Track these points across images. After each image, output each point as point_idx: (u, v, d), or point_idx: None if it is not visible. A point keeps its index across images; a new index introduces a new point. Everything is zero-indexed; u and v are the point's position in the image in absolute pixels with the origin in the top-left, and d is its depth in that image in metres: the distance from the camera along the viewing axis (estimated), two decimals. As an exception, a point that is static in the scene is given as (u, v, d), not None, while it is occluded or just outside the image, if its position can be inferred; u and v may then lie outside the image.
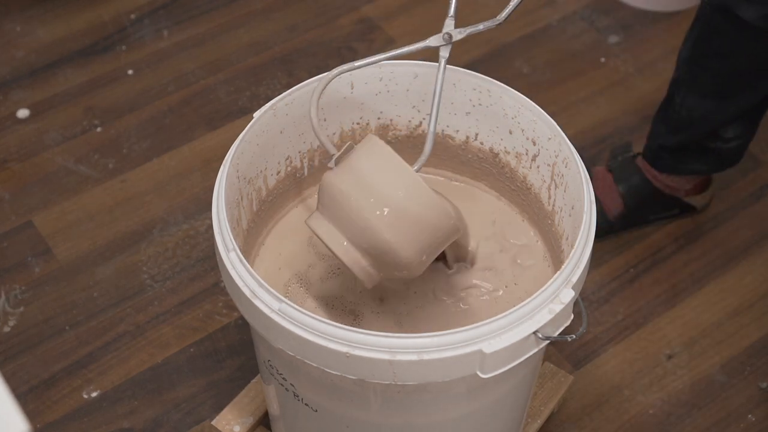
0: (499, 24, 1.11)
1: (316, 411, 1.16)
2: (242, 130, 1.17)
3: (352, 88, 1.24)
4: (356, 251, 1.08)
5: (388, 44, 2.01)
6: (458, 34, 1.12)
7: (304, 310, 1.01)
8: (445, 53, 1.12)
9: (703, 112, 1.53)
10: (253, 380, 1.47)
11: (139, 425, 1.51)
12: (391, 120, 1.29)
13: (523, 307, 1.02)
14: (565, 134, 1.17)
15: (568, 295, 1.04)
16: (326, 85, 1.11)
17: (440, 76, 1.13)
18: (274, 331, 1.04)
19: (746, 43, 1.44)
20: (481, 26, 1.12)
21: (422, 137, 1.30)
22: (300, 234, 1.27)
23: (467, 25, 1.13)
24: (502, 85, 1.22)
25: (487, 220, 1.29)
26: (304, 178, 1.30)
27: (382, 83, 1.25)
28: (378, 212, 1.05)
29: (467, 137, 1.28)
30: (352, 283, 1.22)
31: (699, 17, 1.49)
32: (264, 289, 1.04)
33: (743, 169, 1.78)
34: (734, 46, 1.45)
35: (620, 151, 1.73)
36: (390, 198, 1.06)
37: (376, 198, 1.06)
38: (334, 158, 1.08)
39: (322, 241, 1.10)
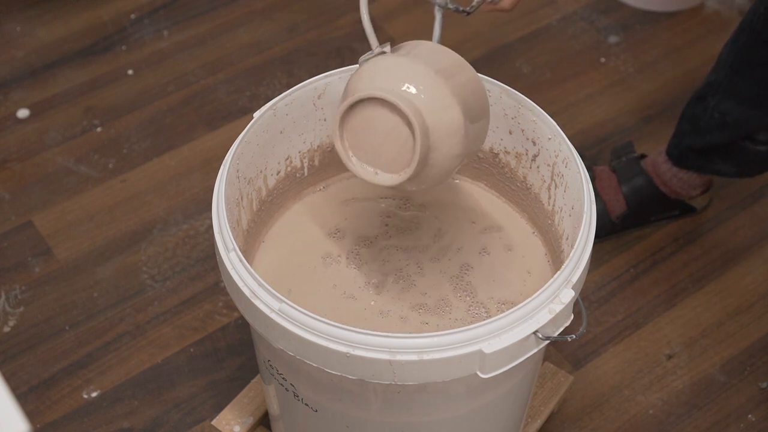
0: (468, 13, 1.13)
1: (316, 411, 1.16)
2: (242, 130, 1.17)
3: (352, 88, 1.24)
4: (422, 116, 1.03)
5: (388, 44, 2.01)
6: (450, 4, 1.14)
7: (304, 310, 1.01)
8: (438, 16, 1.14)
9: (737, 118, 1.52)
10: (253, 380, 1.48)
11: (139, 425, 1.51)
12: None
13: (523, 307, 1.02)
14: (565, 134, 1.17)
15: (568, 295, 1.04)
16: None
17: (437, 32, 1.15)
18: (274, 331, 1.04)
19: None
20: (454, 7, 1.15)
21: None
22: (300, 234, 1.27)
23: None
24: (502, 85, 1.22)
25: (488, 219, 1.29)
26: (304, 178, 1.30)
27: (382, 83, 1.24)
28: (450, 90, 1.04)
29: (467, 137, 1.28)
30: (351, 281, 1.23)
31: (749, 25, 1.46)
32: (264, 289, 1.04)
33: (743, 169, 1.78)
34: None
35: (623, 151, 1.73)
36: (460, 77, 1.06)
37: (447, 69, 1.05)
38: (377, 49, 1.07)
39: (386, 100, 1.01)
